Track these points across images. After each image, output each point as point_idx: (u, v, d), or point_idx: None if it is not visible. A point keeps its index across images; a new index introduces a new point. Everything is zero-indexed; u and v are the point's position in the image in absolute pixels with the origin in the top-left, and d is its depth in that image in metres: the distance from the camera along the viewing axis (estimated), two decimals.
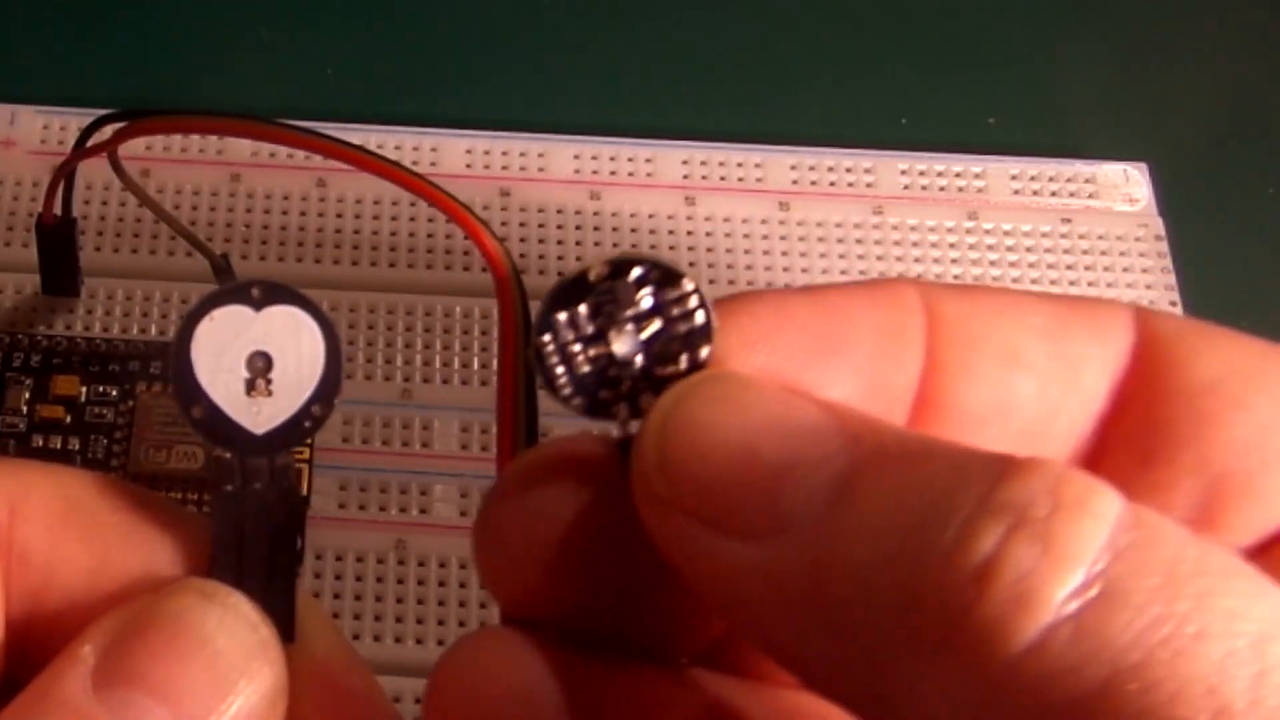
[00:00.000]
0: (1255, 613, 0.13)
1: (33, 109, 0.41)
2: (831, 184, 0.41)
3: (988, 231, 0.40)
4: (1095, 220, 0.41)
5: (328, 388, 0.19)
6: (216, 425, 0.19)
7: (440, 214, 0.29)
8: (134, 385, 0.36)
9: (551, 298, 0.17)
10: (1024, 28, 0.46)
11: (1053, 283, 0.39)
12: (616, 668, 0.18)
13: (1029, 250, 0.40)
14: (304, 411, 0.19)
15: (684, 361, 0.17)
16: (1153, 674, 0.13)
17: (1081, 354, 0.19)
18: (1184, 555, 0.14)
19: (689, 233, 0.40)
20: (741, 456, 0.16)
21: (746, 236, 0.40)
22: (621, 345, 0.17)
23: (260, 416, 0.19)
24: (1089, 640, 0.13)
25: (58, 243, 0.36)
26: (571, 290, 0.17)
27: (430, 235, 0.39)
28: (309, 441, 0.35)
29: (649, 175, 0.41)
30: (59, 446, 0.36)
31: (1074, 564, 0.14)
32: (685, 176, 0.41)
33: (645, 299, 0.17)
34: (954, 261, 0.40)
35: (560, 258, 0.39)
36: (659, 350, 0.17)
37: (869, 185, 0.41)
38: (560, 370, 0.17)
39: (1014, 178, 0.41)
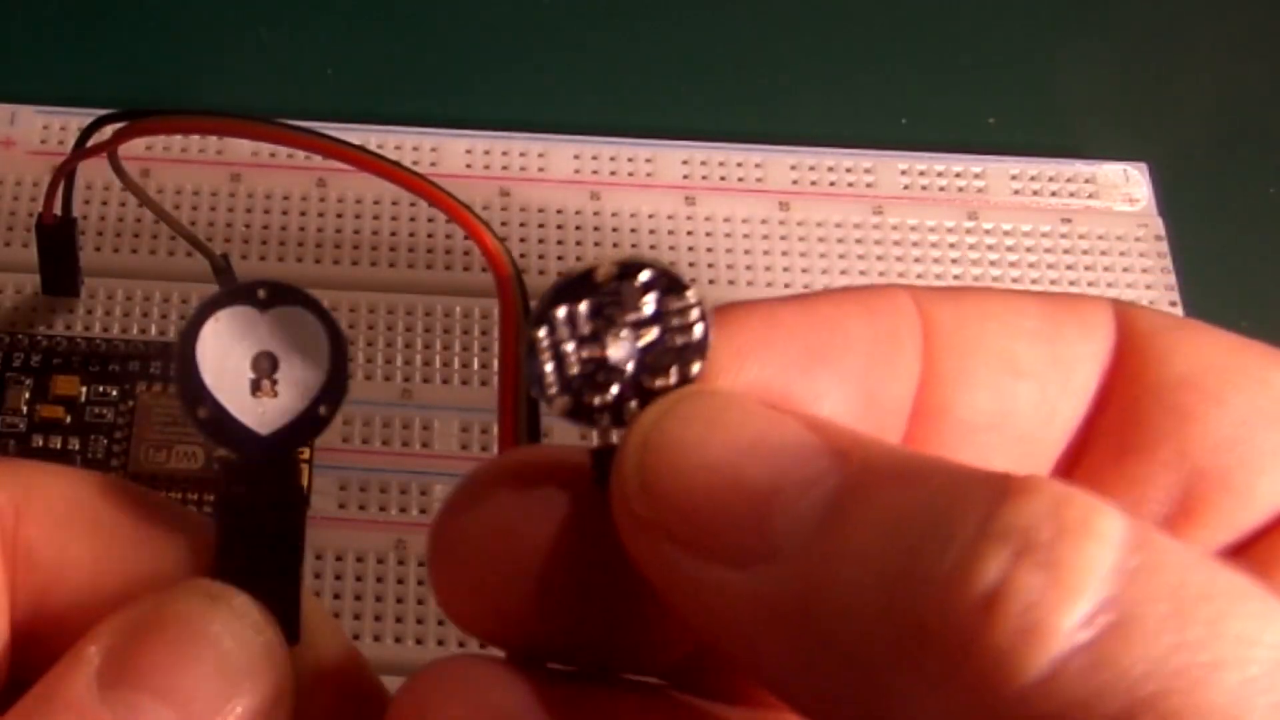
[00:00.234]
0: (1269, 637, 0.13)
1: (33, 109, 0.41)
2: (831, 184, 0.41)
3: (988, 231, 0.40)
4: (1095, 220, 0.41)
5: (334, 388, 0.19)
6: (222, 426, 0.19)
7: (440, 214, 0.29)
8: (134, 385, 0.36)
9: (554, 292, 0.17)
10: (1024, 28, 0.46)
11: (1053, 283, 0.39)
12: (590, 692, 0.18)
13: (1029, 250, 0.40)
14: (310, 412, 0.19)
15: (674, 375, 0.17)
16: (1169, 705, 0.13)
17: (1073, 354, 0.18)
18: (1192, 579, 0.13)
19: (689, 233, 0.40)
20: (726, 478, 0.15)
21: (746, 236, 0.40)
22: (616, 350, 0.17)
23: (266, 417, 0.19)
24: (1103, 671, 0.13)
25: (58, 243, 0.36)
26: (576, 287, 0.17)
27: (430, 235, 0.39)
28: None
29: (649, 175, 0.41)
30: (59, 446, 0.35)
31: (1082, 591, 0.13)
32: (685, 176, 0.41)
33: (648, 305, 0.17)
34: (954, 262, 0.40)
35: (560, 258, 0.39)
36: (651, 361, 0.17)
37: (869, 185, 0.41)
38: (550, 368, 0.17)
39: (1014, 178, 0.41)
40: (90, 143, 0.32)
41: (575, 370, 0.17)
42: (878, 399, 0.18)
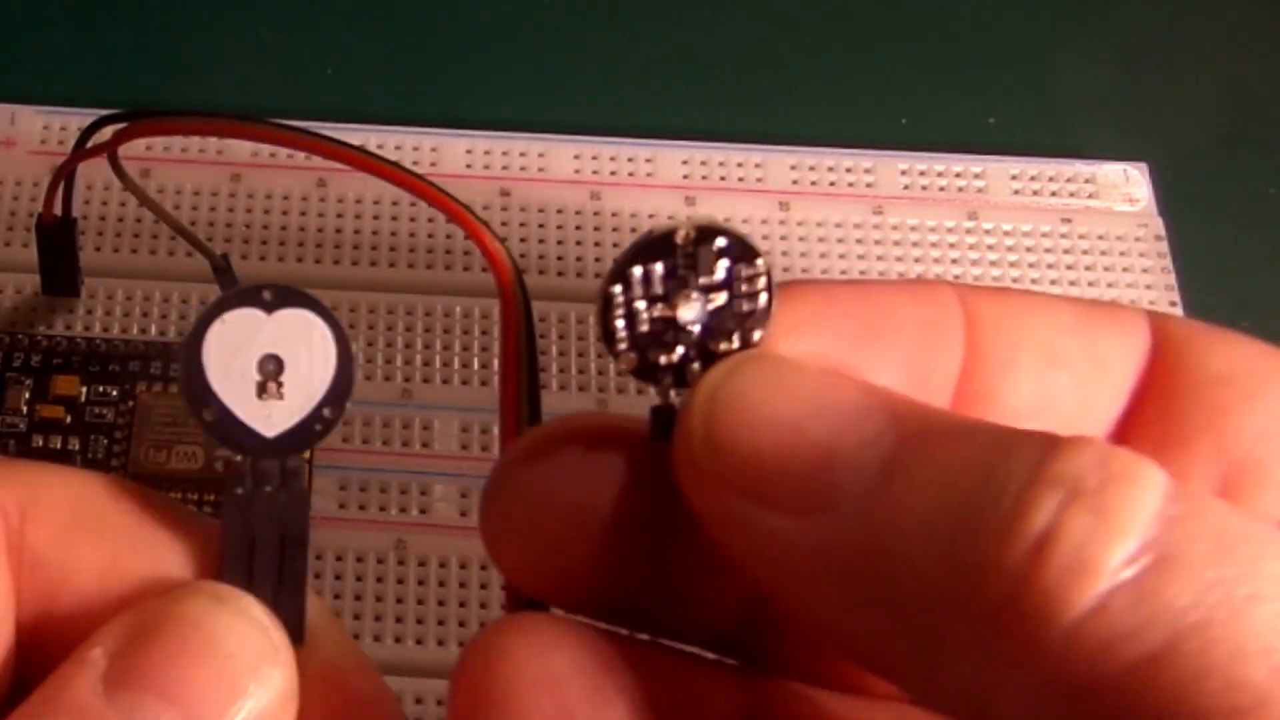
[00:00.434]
0: None
1: (33, 109, 0.41)
2: (831, 184, 0.41)
3: (988, 231, 0.40)
4: (1095, 220, 0.41)
5: (339, 390, 0.19)
6: (228, 428, 0.19)
7: (440, 214, 0.29)
8: (134, 385, 0.36)
9: (634, 249, 0.18)
10: (1024, 28, 0.46)
11: (1053, 283, 0.39)
12: (654, 654, 0.18)
13: (1029, 250, 0.40)
14: (315, 414, 0.19)
15: (736, 339, 0.18)
16: (1211, 634, 0.14)
17: (1109, 353, 0.19)
18: (1230, 524, 0.14)
19: None
20: (789, 433, 0.16)
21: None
22: (686, 311, 0.18)
23: (272, 419, 0.19)
24: (1147, 605, 0.14)
25: (58, 243, 0.36)
26: (655, 246, 0.18)
27: (430, 235, 0.39)
28: None
29: (649, 175, 0.41)
30: (59, 446, 0.35)
31: (1129, 532, 0.14)
32: (685, 176, 0.41)
33: (720, 270, 0.18)
34: (954, 261, 0.40)
35: (560, 258, 0.39)
36: (716, 325, 0.18)
37: (869, 185, 0.41)
38: (621, 324, 0.18)
39: (1014, 178, 0.41)
40: (90, 143, 0.32)
41: (645, 328, 0.18)
42: (924, 379, 0.18)
